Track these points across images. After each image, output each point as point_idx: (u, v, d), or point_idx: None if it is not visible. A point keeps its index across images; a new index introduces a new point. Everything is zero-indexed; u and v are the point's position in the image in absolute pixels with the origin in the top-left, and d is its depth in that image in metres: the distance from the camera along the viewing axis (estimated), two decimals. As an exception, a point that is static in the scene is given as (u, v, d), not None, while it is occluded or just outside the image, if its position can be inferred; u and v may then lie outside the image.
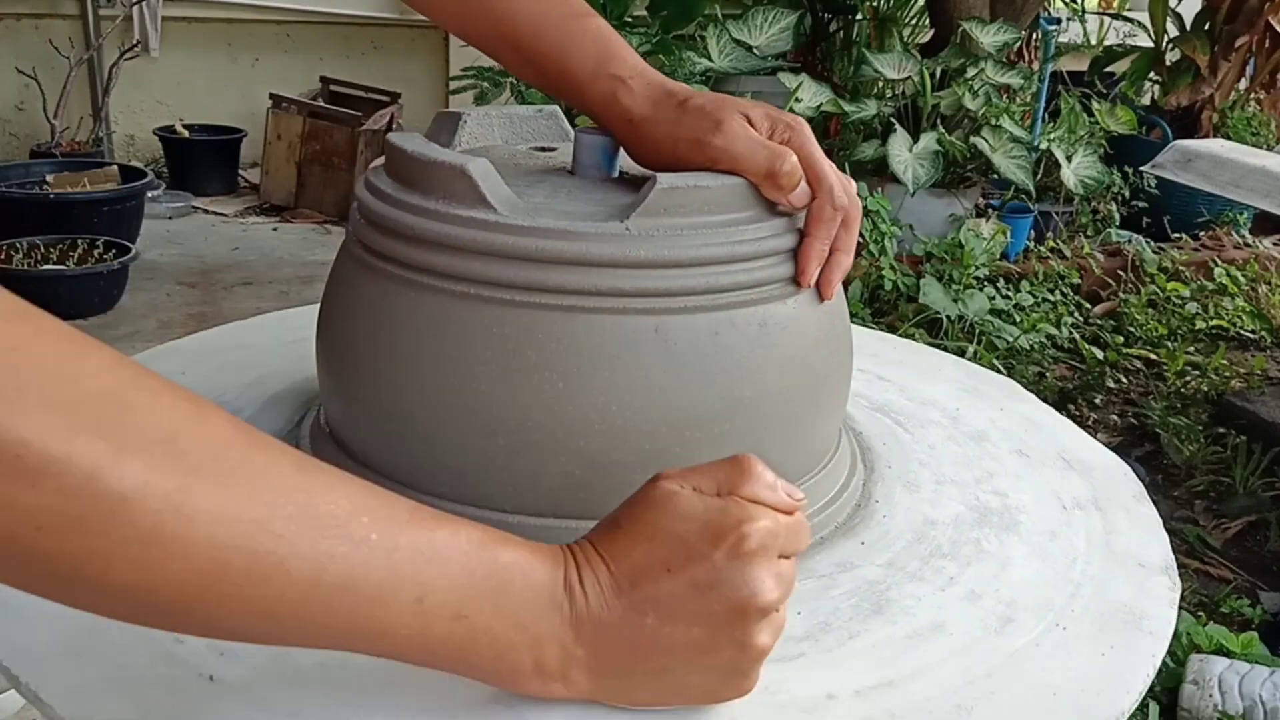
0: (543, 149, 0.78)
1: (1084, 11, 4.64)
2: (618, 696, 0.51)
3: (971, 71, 3.36)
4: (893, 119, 3.29)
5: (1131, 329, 3.19)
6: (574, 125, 0.78)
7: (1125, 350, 3.06)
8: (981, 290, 3.03)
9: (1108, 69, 4.59)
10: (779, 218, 0.66)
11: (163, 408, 0.41)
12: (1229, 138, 4.08)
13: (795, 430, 0.69)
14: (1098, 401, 2.81)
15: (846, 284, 0.72)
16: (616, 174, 0.72)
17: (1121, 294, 3.37)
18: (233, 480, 0.41)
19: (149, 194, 3.64)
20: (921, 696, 0.57)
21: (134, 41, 4.08)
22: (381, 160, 0.71)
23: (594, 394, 0.61)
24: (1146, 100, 4.70)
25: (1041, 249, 3.53)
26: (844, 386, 0.74)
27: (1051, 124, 3.93)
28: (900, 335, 1.51)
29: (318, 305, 0.73)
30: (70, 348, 0.39)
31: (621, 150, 0.72)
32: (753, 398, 0.64)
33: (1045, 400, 0.96)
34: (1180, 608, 0.68)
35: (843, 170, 0.72)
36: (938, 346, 1.06)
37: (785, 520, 0.51)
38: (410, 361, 0.63)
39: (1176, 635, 1.51)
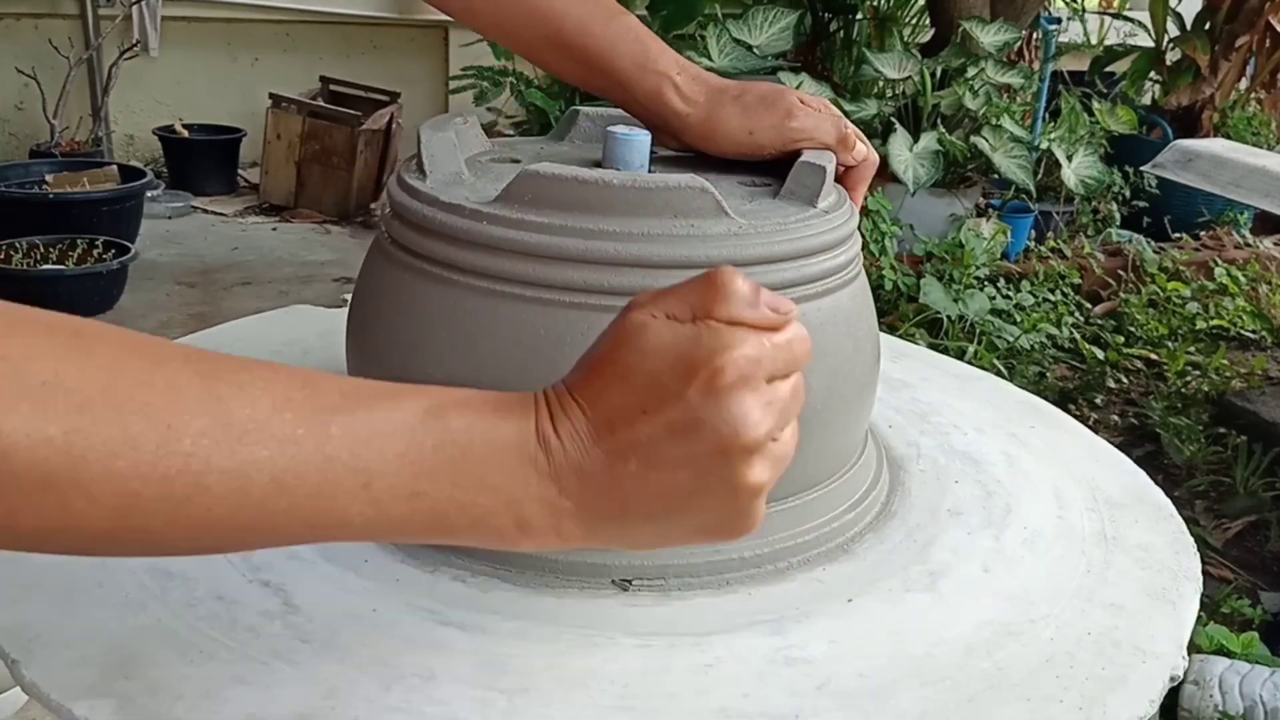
0: (511, 160, 0.76)
1: (1084, 11, 4.63)
2: (615, 541, 0.49)
3: (972, 71, 3.35)
4: (893, 119, 3.29)
5: (1132, 329, 3.19)
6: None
7: (1126, 350, 3.05)
8: (982, 290, 3.03)
9: (1108, 69, 4.59)
10: (847, 199, 0.73)
11: (43, 351, 0.40)
12: (1229, 137, 4.08)
13: (876, 379, 0.76)
14: (1098, 401, 2.81)
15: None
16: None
17: (1122, 294, 3.37)
18: (128, 408, 0.40)
19: (148, 194, 3.64)
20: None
21: (133, 41, 4.08)
22: (420, 179, 0.68)
23: (820, 375, 0.66)
24: (1147, 100, 4.69)
25: (1042, 249, 3.53)
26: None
27: (1052, 124, 3.93)
28: (900, 335, 1.51)
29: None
30: None
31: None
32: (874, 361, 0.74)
33: (1046, 400, 0.97)
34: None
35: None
36: (938, 347, 1.08)
37: (772, 340, 0.46)
38: None
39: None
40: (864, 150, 0.77)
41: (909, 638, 0.63)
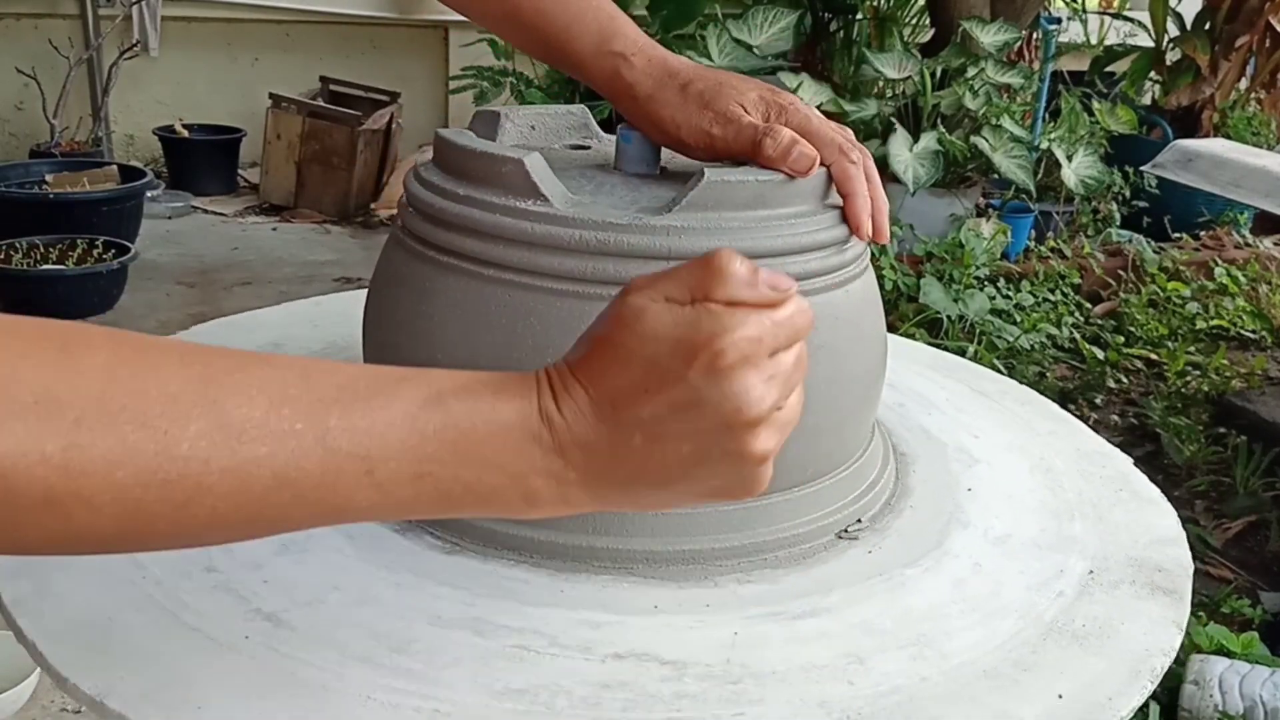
0: (576, 146, 0.79)
1: (1084, 11, 4.63)
2: (624, 505, 0.50)
3: (972, 71, 3.35)
4: (893, 119, 3.29)
5: (1132, 329, 3.19)
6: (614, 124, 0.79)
7: (1126, 350, 3.05)
8: (982, 290, 3.03)
9: (1108, 69, 4.59)
10: (832, 210, 0.71)
11: (33, 365, 0.40)
12: (1229, 137, 4.08)
13: (877, 393, 0.78)
14: (1098, 401, 2.81)
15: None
16: (658, 170, 0.73)
17: (1122, 294, 3.37)
18: (123, 418, 0.40)
19: (148, 194, 3.64)
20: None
21: (133, 41, 4.08)
22: (545, 205, 0.68)
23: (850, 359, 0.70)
24: (1147, 100, 4.69)
25: (1042, 249, 3.53)
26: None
27: (1052, 124, 3.93)
28: (901, 335, 1.51)
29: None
30: None
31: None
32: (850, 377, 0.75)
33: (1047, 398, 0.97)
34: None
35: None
36: (938, 347, 1.08)
37: (771, 317, 0.46)
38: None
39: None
40: (804, 160, 0.68)
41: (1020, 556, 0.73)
